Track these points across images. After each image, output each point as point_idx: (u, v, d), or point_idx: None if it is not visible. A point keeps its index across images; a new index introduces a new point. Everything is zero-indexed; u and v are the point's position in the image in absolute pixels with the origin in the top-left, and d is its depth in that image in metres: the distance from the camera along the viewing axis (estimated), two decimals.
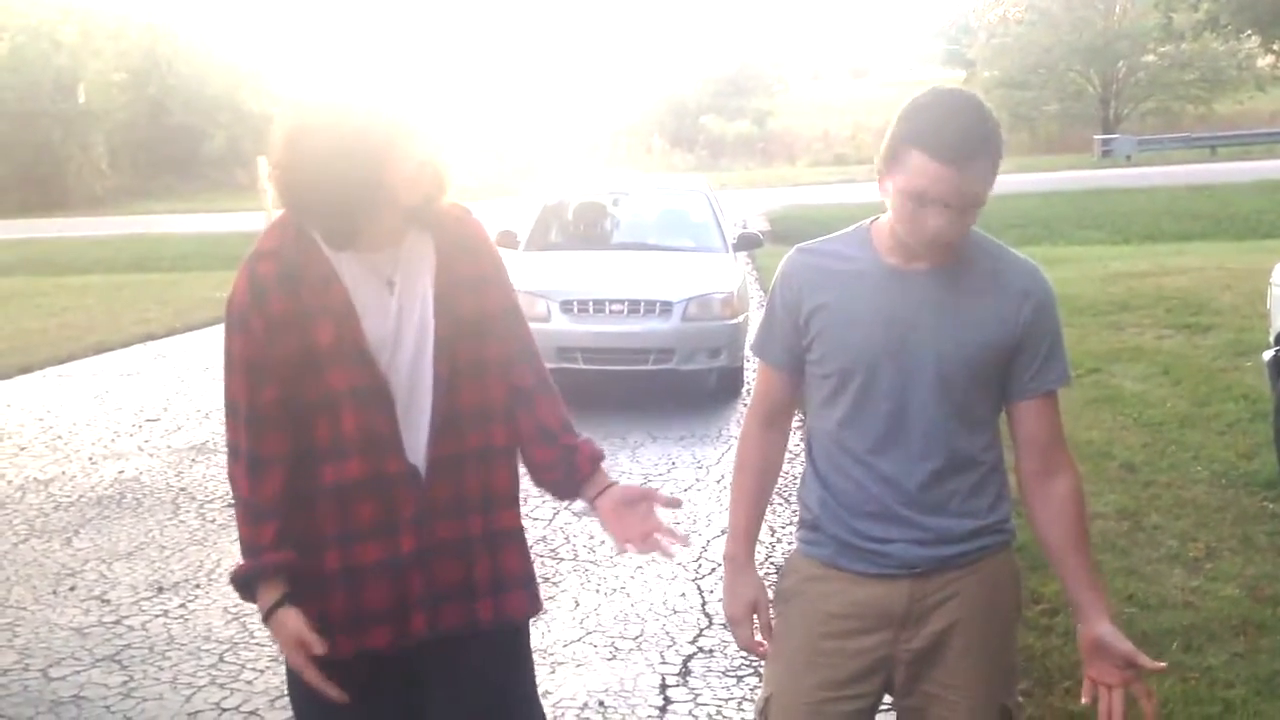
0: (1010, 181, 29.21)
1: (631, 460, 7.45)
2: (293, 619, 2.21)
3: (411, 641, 2.27)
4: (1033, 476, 2.35)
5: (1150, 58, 45.56)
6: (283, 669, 2.37)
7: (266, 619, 2.24)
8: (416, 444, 2.25)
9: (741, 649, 2.54)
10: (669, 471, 7.23)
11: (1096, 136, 42.89)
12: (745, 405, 9.02)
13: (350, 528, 2.23)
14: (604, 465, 2.44)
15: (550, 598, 5.13)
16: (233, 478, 2.28)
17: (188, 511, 6.59)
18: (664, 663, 4.54)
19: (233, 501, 2.31)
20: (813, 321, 2.34)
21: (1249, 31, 17.27)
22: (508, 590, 2.35)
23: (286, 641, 2.22)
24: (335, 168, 2.11)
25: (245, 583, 2.26)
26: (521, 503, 2.41)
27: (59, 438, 8.51)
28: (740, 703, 4.15)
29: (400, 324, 2.25)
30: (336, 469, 2.21)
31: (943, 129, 2.12)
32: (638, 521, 2.37)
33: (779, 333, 2.41)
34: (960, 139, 2.11)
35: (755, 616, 2.46)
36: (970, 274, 2.28)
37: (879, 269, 2.31)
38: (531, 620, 2.49)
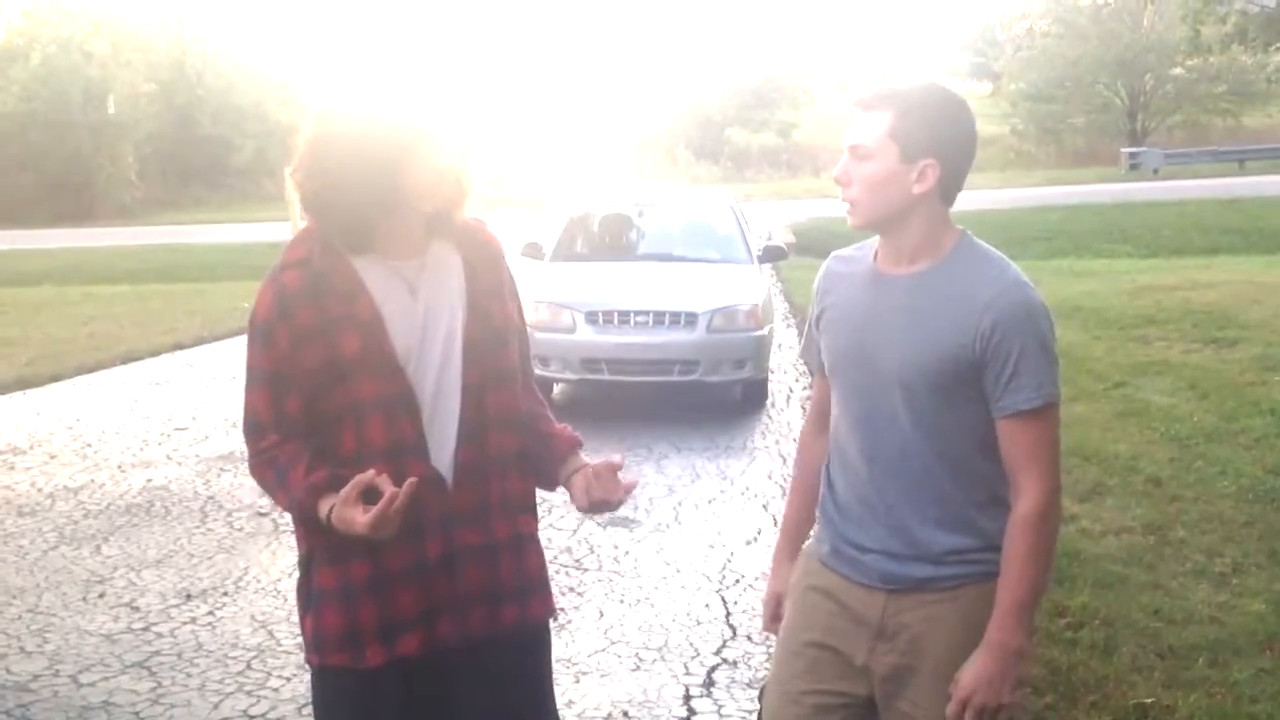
0: (1037, 194, 29.33)
1: (656, 471, 7.46)
2: (349, 509, 2.11)
3: (440, 647, 2.28)
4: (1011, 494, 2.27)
5: (1178, 70, 45.23)
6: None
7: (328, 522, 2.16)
8: (442, 450, 2.27)
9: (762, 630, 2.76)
10: (693, 483, 7.24)
11: (1124, 149, 42.59)
12: (770, 417, 9.04)
13: None
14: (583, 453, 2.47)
15: (575, 608, 5.14)
16: (258, 473, 2.29)
17: (215, 520, 6.62)
18: (688, 674, 4.55)
19: (261, 511, 2.32)
20: (820, 323, 2.46)
21: (1277, 45, 17.16)
22: (531, 593, 2.39)
23: (359, 524, 2.10)
24: (356, 172, 2.17)
25: (307, 514, 2.19)
26: (546, 513, 2.43)
27: (88, 446, 8.58)
28: None
29: (426, 332, 2.27)
30: None
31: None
32: (598, 489, 2.37)
33: (812, 337, 2.52)
34: (875, 88, 2.28)
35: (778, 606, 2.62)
36: (947, 282, 2.26)
37: (868, 272, 2.37)
38: (552, 623, 2.52)
